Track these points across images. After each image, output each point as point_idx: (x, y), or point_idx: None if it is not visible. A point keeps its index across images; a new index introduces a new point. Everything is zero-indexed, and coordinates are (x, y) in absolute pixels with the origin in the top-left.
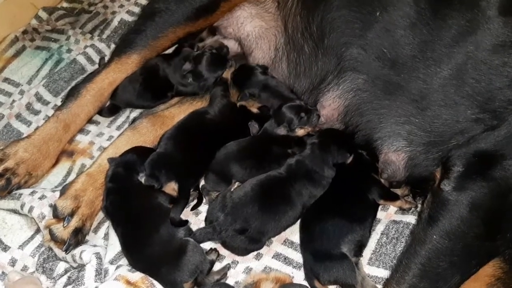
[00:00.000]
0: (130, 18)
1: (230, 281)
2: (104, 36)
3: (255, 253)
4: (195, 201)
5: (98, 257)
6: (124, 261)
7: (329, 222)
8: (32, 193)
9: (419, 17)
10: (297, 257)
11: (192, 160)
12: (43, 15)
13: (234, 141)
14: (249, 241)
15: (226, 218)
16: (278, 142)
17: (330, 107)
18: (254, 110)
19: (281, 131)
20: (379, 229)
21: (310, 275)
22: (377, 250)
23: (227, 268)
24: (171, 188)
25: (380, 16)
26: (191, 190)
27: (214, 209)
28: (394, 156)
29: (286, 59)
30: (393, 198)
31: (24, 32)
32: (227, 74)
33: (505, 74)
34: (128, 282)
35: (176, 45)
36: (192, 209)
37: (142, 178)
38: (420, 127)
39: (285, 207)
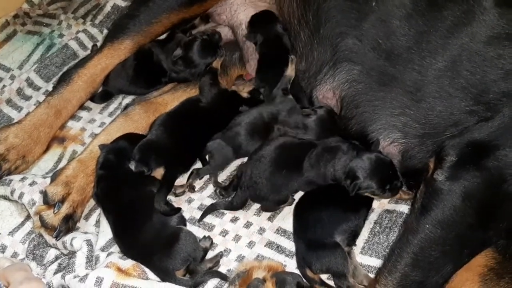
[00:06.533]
0: (123, 3)
1: (222, 269)
2: (97, 21)
3: (247, 241)
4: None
5: (89, 244)
6: (115, 248)
7: (323, 211)
8: (23, 179)
9: (414, 7)
10: (290, 245)
11: (182, 148)
12: None
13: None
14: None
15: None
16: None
17: (326, 98)
18: (244, 94)
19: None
20: (372, 218)
21: (302, 263)
22: (370, 239)
23: (219, 256)
24: (160, 174)
25: (376, 6)
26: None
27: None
28: (389, 148)
29: None
30: None
31: (15, 16)
32: (217, 64)
33: (500, 66)
34: (119, 270)
35: (169, 32)
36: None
37: (132, 165)
38: (415, 119)
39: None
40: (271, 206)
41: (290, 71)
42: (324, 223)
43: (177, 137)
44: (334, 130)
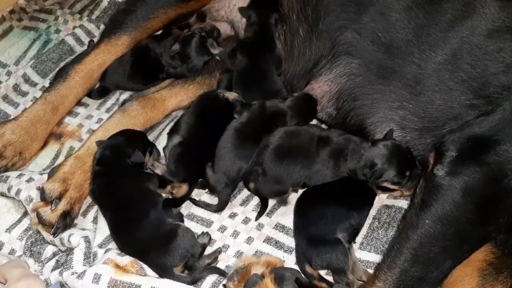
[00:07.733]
0: None
1: (221, 265)
2: (94, 17)
3: (246, 236)
4: None
5: (87, 240)
6: (113, 245)
7: (327, 208)
8: (20, 175)
9: (414, 0)
10: (289, 241)
11: (205, 161)
12: None
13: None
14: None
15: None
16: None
17: (321, 89)
18: None
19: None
20: (370, 213)
21: (302, 259)
22: (369, 235)
23: (218, 252)
24: (180, 187)
25: None
26: None
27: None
28: None
29: (284, 40)
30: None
31: (12, 11)
32: None
33: (500, 60)
34: (117, 266)
35: (165, 28)
36: None
37: (156, 168)
38: (413, 112)
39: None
40: (264, 189)
41: None
42: (327, 219)
43: (204, 149)
44: (310, 111)
